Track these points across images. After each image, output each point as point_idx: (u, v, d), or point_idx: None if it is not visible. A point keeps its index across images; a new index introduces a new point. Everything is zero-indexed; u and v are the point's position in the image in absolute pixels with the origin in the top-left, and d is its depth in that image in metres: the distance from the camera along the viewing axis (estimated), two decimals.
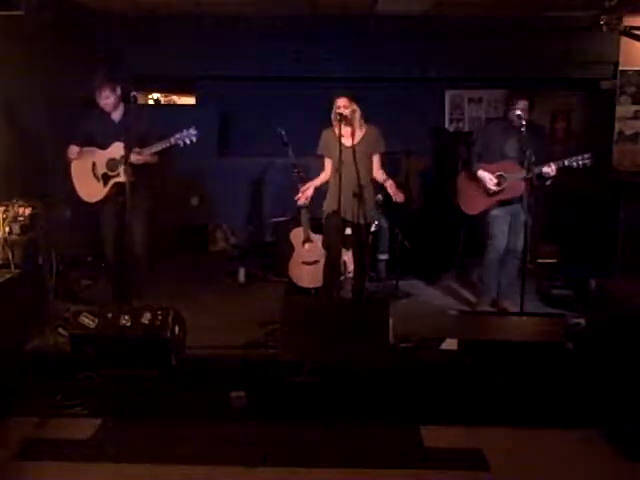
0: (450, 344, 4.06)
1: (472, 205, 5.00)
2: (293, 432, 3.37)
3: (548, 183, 4.62)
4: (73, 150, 4.79)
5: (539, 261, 6.41)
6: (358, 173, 4.35)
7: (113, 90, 4.78)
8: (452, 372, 3.78)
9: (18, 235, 4.32)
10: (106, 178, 4.72)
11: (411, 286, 5.80)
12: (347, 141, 4.40)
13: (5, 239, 4.24)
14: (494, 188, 4.76)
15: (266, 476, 2.99)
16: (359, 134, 4.43)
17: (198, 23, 6.42)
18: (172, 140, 4.58)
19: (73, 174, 4.86)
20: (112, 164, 4.71)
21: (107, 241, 4.92)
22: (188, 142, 4.60)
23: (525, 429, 3.39)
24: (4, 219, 4.29)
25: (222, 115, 7.03)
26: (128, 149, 4.39)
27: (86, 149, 4.77)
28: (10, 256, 4.20)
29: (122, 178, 4.55)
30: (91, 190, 4.74)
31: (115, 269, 4.93)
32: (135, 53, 6.40)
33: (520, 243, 4.77)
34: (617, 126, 6.58)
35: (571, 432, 3.38)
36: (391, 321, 3.88)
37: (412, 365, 3.97)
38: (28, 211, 4.43)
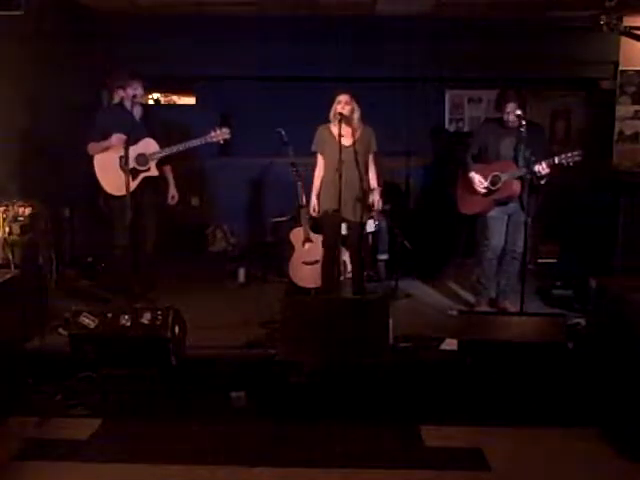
0: (450, 344, 4.06)
1: (468, 206, 5.01)
2: (293, 432, 3.37)
3: (543, 182, 4.60)
4: (100, 145, 4.80)
5: (539, 261, 6.41)
6: (357, 172, 4.36)
7: (140, 84, 4.86)
8: (452, 372, 3.78)
9: (18, 235, 4.32)
10: (135, 172, 4.75)
11: (411, 286, 5.80)
12: (345, 140, 4.41)
13: (5, 239, 4.24)
14: (482, 190, 4.78)
15: (266, 476, 3.00)
16: (357, 134, 4.44)
17: (198, 23, 6.42)
18: (207, 138, 4.77)
19: (97, 167, 4.85)
20: (141, 159, 4.78)
21: (123, 232, 4.83)
22: (222, 141, 4.82)
23: (525, 429, 3.40)
24: (4, 219, 4.29)
25: (222, 115, 7.02)
26: (159, 145, 4.76)
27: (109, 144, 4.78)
28: (10, 256, 4.20)
29: (152, 173, 4.81)
30: (119, 183, 4.63)
31: (126, 260, 4.89)
32: (135, 53, 6.38)
33: (520, 243, 4.76)
34: (617, 126, 6.57)
35: (571, 432, 3.38)
36: (391, 321, 3.88)
37: (412, 365, 3.97)
38: (28, 211, 4.43)
